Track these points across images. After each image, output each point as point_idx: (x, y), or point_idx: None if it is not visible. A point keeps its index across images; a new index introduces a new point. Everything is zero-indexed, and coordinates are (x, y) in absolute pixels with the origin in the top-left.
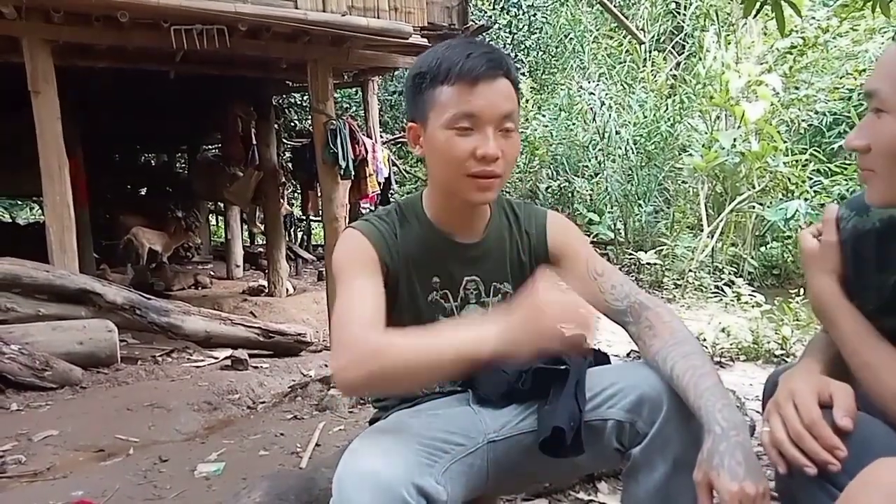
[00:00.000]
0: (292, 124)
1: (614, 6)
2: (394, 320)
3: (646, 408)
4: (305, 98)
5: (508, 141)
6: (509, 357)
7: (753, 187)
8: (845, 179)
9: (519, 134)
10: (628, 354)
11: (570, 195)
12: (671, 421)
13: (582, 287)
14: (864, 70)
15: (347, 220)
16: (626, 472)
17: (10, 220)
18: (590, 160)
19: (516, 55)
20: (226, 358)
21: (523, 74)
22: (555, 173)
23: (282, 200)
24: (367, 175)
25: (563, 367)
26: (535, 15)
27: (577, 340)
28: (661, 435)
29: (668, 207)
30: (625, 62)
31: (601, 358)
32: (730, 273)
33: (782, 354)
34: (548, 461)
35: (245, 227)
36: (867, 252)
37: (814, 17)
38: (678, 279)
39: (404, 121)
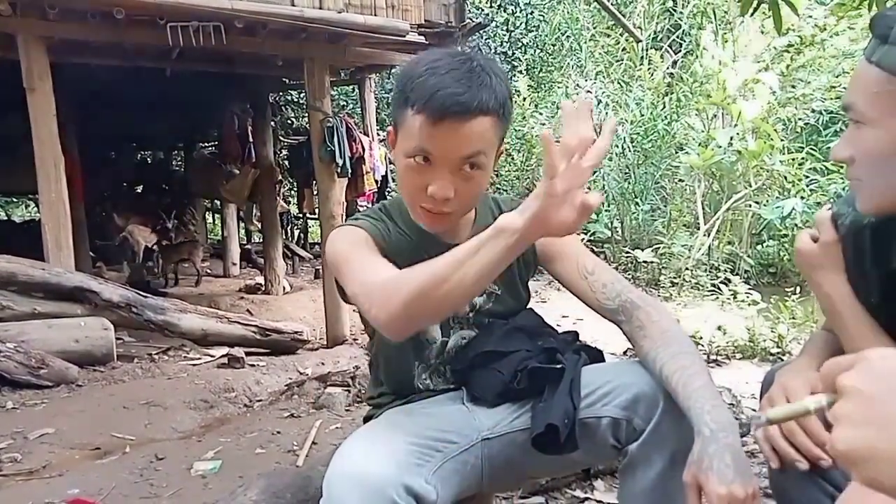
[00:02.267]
0: (289, 122)
1: (611, 4)
2: None
3: (642, 405)
4: (302, 95)
5: (468, 182)
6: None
7: (750, 185)
8: (841, 178)
9: (485, 172)
10: (625, 353)
11: None
12: (668, 417)
13: (573, 286)
14: None
15: (344, 217)
16: (622, 469)
17: (5, 218)
18: None
19: (513, 53)
20: (222, 356)
21: (520, 72)
22: None
23: (278, 198)
24: (364, 173)
25: (558, 367)
26: (532, 13)
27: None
28: (657, 431)
29: (665, 206)
30: (622, 60)
31: (595, 355)
32: (726, 271)
33: (778, 353)
34: (542, 458)
35: (241, 224)
36: (864, 246)
37: (811, 16)
38: (675, 277)
39: None
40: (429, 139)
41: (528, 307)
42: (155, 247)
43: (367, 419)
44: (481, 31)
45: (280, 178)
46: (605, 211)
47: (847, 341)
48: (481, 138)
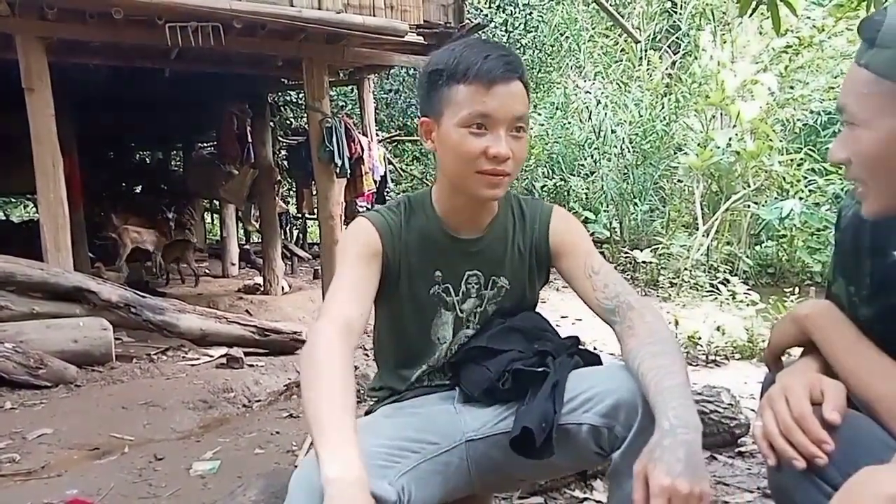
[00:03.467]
0: (288, 122)
1: (610, 5)
2: (397, 311)
3: (622, 412)
4: (301, 96)
5: (518, 142)
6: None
7: (748, 186)
8: (839, 178)
9: (527, 139)
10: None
11: (565, 194)
12: (648, 424)
13: (577, 283)
14: None
15: (343, 218)
16: (609, 475)
17: (4, 218)
18: (585, 159)
19: None
20: (221, 356)
21: None
22: (551, 172)
23: (277, 198)
24: (363, 173)
25: (539, 370)
26: (530, 13)
27: None
28: (639, 439)
29: (664, 206)
30: (620, 61)
31: (591, 359)
32: (725, 271)
33: None
34: (525, 461)
35: (240, 225)
36: (864, 239)
37: (809, 17)
38: (674, 278)
39: (401, 119)
40: (484, 103)
41: (534, 309)
42: (149, 246)
43: (367, 413)
44: (480, 32)
45: (279, 178)
46: (604, 211)
47: (828, 349)
48: (524, 101)
